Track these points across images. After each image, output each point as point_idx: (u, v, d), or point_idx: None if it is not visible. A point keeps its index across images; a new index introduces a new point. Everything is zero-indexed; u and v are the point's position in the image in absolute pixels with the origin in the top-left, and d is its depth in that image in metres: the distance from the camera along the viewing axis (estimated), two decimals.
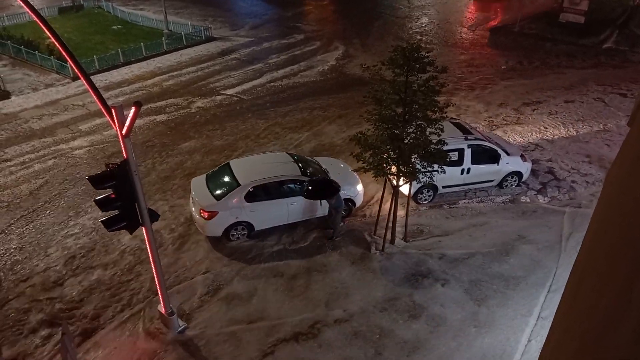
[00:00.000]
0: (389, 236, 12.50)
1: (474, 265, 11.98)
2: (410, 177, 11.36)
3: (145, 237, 9.13)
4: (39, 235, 13.14)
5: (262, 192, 12.58)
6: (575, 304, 1.74)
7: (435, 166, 11.52)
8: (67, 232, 13.26)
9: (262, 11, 35.81)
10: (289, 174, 12.86)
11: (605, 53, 25.94)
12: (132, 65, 25.46)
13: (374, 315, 10.65)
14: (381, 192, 12.75)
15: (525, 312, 10.74)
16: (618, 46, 26.49)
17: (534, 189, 14.84)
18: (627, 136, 1.58)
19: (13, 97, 21.83)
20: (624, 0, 29.60)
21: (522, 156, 14.79)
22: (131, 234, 9.63)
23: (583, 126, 18.41)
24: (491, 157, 14.17)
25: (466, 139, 13.98)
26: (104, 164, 8.49)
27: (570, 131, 18.09)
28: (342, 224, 13.28)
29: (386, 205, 12.64)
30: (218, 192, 12.55)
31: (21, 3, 8.00)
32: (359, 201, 13.75)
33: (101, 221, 8.63)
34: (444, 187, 14.14)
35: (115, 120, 7.72)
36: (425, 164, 11.32)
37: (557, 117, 19.11)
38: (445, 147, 11.50)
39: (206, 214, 12.18)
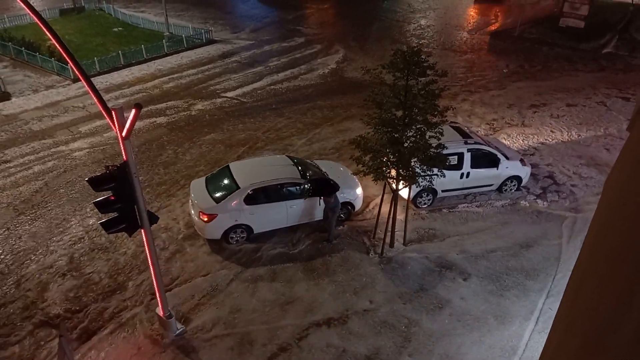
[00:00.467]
0: (388, 240, 12.49)
1: (471, 268, 11.96)
2: (410, 180, 11.36)
3: (144, 240, 9.12)
4: (36, 236, 13.12)
5: (261, 195, 12.57)
6: (576, 305, 1.75)
7: (435, 170, 11.52)
8: (66, 233, 13.23)
9: (262, 14, 35.90)
10: (289, 177, 12.85)
11: (606, 58, 25.99)
12: (133, 67, 25.50)
13: (368, 319, 10.63)
14: (381, 196, 12.74)
15: (526, 316, 10.73)
16: (618, 51, 26.55)
17: (534, 193, 14.84)
18: (627, 140, 1.58)
19: (13, 99, 21.85)
20: (623, 5, 29.69)
21: (521, 160, 14.79)
22: (130, 236, 9.61)
23: (584, 130, 18.43)
24: (490, 161, 14.17)
25: (466, 143, 13.99)
26: (103, 166, 8.48)
27: (571, 135, 18.12)
28: (342, 227, 13.27)
29: (386, 209, 12.63)
30: (217, 194, 12.54)
31: (22, 5, 8.01)
32: (358, 205, 13.74)
33: (100, 223, 8.61)
34: (443, 191, 14.14)
35: (116, 122, 7.72)
36: (424, 167, 11.32)
37: (559, 121, 19.14)
38: (445, 151, 11.51)
39: (205, 216, 12.16)
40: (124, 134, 7.70)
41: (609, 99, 21.00)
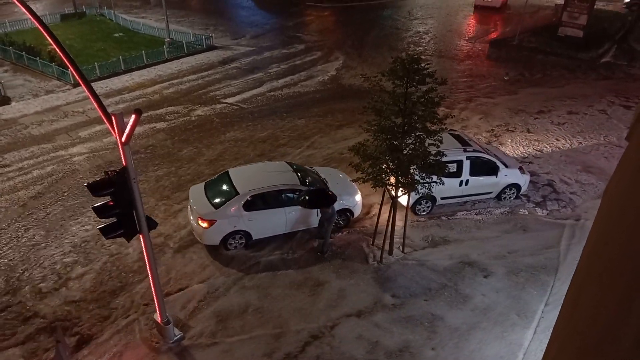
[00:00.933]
0: (387, 247, 12.47)
1: (467, 277, 11.94)
2: (409, 188, 11.36)
3: (143, 245, 9.09)
4: (33, 242, 13.08)
5: (260, 201, 12.56)
6: (575, 313, 1.75)
7: (434, 177, 11.52)
8: (63, 239, 13.20)
9: (263, 21, 36.05)
10: (288, 183, 12.85)
11: (604, 67, 26.11)
12: (133, 72, 25.57)
13: (356, 329, 10.59)
14: (380, 203, 12.74)
15: (524, 325, 10.70)
16: (616, 60, 26.67)
17: (533, 201, 14.85)
18: (627, 149, 1.59)
19: (13, 103, 21.87)
20: (622, 15, 29.86)
21: (520, 168, 14.81)
22: (128, 242, 9.59)
23: (584, 138, 18.47)
24: (490, 169, 14.18)
25: (465, 150, 14.01)
26: (102, 171, 8.48)
27: (572, 143, 18.16)
28: (341, 233, 13.25)
29: (385, 216, 12.62)
30: (216, 200, 12.53)
31: (23, 10, 8.05)
32: (357, 211, 13.72)
33: (99, 228, 8.59)
34: (442, 198, 14.14)
35: (115, 128, 7.72)
36: (423, 175, 11.32)
37: (560, 128, 19.20)
38: (444, 159, 11.52)
39: (204, 222, 12.14)
40: (123, 139, 7.71)
41: (610, 107, 21.08)
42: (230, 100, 22.33)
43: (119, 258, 12.50)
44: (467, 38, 31.41)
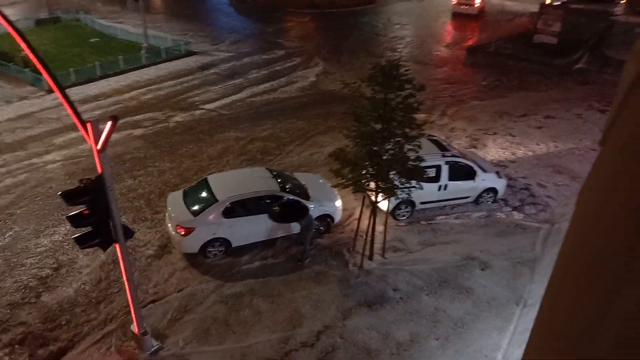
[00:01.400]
0: (367, 252, 12.48)
1: (447, 280, 12.02)
2: (389, 193, 11.40)
3: (119, 254, 8.91)
4: (6, 252, 12.71)
5: (240, 208, 12.44)
6: (553, 315, 1.76)
7: (413, 182, 11.59)
8: (37, 248, 12.87)
9: (243, 27, 35.94)
10: (268, 190, 12.78)
11: (578, 73, 26.73)
12: (110, 78, 25.14)
13: (336, 336, 10.55)
14: (360, 208, 12.76)
15: (501, 327, 10.80)
16: (589, 67, 27.33)
17: (510, 205, 15.05)
18: (601, 152, 1.60)
19: None
20: (595, 22, 30.66)
21: (497, 173, 15.02)
22: (104, 251, 9.39)
23: (561, 142, 18.83)
24: (467, 173, 14.34)
25: (443, 155, 14.14)
26: (77, 179, 8.30)
27: (548, 147, 18.50)
28: (322, 238, 13.21)
29: (365, 222, 12.63)
30: (195, 207, 12.37)
31: None
32: (337, 217, 13.71)
33: (73, 238, 8.39)
34: (421, 203, 14.22)
35: (91, 135, 7.56)
36: (403, 180, 11.38)
37: (537, 133, 19.55)
38: (423, 164, 11.59)
39: (183, 230, 11.97)
40: (99, 147, 7.55)
41: (585, 112, 21.56)
42: (209, 106, 22.15)
43: (95, 268, 12.22)
44: (444, 44, 31.83)
